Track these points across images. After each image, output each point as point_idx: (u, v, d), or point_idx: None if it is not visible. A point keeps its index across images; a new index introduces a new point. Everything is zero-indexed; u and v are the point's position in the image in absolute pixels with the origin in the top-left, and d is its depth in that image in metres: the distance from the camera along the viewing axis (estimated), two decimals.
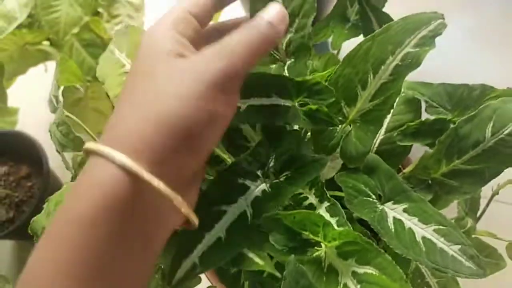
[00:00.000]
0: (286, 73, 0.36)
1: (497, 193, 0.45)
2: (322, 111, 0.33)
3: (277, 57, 0.37)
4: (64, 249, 0.23)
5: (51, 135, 0.42)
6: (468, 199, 0.45)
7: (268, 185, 0.33)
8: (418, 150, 0.42)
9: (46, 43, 0.68)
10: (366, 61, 0.34)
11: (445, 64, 0.81)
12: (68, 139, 0.39)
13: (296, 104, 0.34)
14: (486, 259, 0.46)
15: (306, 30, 0.36)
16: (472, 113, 0.37)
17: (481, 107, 0.37)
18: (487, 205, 0.45)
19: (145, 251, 0.25)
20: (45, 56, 0.68)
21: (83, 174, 0.25)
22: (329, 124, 0.34)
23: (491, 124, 0.37)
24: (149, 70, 0.26)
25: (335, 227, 0.32)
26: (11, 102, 0.80)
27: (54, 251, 0.23)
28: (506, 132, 0.37)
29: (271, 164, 0.34)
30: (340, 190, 0.37)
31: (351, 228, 0.32)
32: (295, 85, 0.33)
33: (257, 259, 0.30)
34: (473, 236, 0.45)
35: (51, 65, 0.73)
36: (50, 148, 0.75)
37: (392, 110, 0.42)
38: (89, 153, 0.25)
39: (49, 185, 0.69)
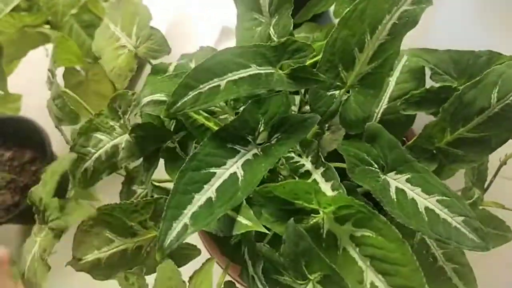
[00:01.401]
0: (272, 31, 0.36)
1: (505, 163, 0.44)
2: (305, 69, 0.33)
3: (262, 20, 0.36)
4: None
5: (49, 111, 0.42)
6: (475, 170, 0.44)
7: (259, 149, 0.33)
8: (423, 123, 0.41)
9: (45, 26, 0.67)
10: (362, 21, 0.33)
11: (449, 35, 0.79)
12: (64, 113, 0.39)
13: (278, 69, 0.33)
14: (493, 230, 0.45)
15: None
16: (477, 79, 0.36)
17: (485, 72, 0.36)
18: (495, 175, 0.44)
19: None
20: (44, 39, 0.67)
21: None
22: (317, 83, 0.33)
23: (496, 89, 0.36)
24: None
25: (330, 191, 0.32)
26: (13, 88, 0.79)
27: None
28: None
29: (261, 129, 0.33)
30: (343, 162, 0.37)
31: (345, 192, 0.32)
32: (272, 50, 0.33)
33: (244, 221, 0.29)
34: (480, 207, 0.44)
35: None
36: (53, 132, 0.75)
37: (395, 78, 0.41)
38: None
39: None
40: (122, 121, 0.41)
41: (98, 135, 0.41)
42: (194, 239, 0.48)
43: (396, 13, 0.33)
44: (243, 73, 0.33)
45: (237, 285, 0.37)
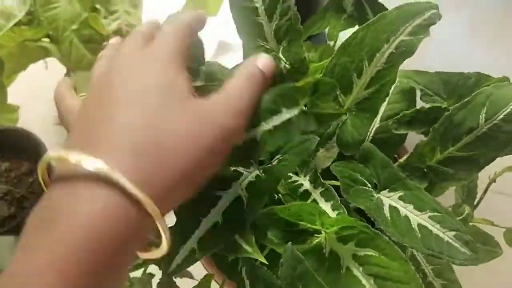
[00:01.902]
0: (282, 57, 0.37)
1: (494, 181, 0.45)
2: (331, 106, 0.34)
3: (267, 47, 0.37)
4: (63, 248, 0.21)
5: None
6: (465, 187, 0.46)
7: (261, 170, 0.34)
8: (414, 140, 0.42)
9: (45, 39, 0.68)
10: (361, 49, 0.34)
11: (442, 57, 0.82)
12: None
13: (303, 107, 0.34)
14: (482, 246, 0.46)
15: (291, 12, 0.36)
16: (466, 100, 0.38)
17: (474, 93, 0.38)
18: (484, 192, 0.46)
19: (126, 271, 0.24)
20: (45, 53, 0.68)
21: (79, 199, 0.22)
22: (335, 116, 0.35)
23: (484, 110, 0.37)
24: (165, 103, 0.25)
25: (331, 211, 0.33)
26: (12, 100, 0.80)
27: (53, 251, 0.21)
28: (499, 117, 0.37)
29: None
30: (337, 179, 0.38)
31: (346, 212, 0.33)
32: (298, 91, 0.34)
33: (246, 247, 0.30)
34: (470, 224, 0.45)
35: (51, 62, 0.74)
36: (50, 144, 0.76)
37: (387, 99, 0.42)
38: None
39: None
40: None
41: None
42: None
43: (393, 43, 0.34)
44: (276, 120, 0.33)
45: None
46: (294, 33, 0.37)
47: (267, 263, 0.29)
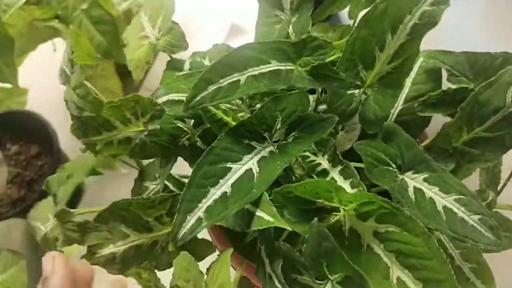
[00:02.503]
0: (291, 30, 0.36)
1: None
2: (326, 67, 0.33)
3: (282, 17, 0.36)
4: None
5: (66, 102, 0.41)
6: (489, 172, 0.44)
7: (275, 146, 0.33)
8: (436, 125, 0.41)
9: (55, 20, 0.67)
10: (382, 21, 0.33)
11: (461, 40, 0.79)
12: (86, 101, 0.38)
13: (298, 66, 0.33)
14: (504, 233, 0.45)
15: None
16: (492, 79, 0.36)
17: (500, 72, 0.36)
18: (508, 178, 0.44)
19: None
20: (54, 33, 0.67)
21: None
22: (338, 81, 0.33)
23: (511, 89, 0.36)
24: None
25: (349, 189, 0.32)
26: (21, 82, 0.79)
27: None
28: None
29: (278, 126, 0.33)
30: (358, 162, 0.36)
31: (365, 189, 0.31)
32: (292, 47, 0.33)
33: (266, 217, 0.29)
34: (493, 210, 0.44)
35: (60, 44, 0.72)
36: (59, 127, 0.75)
37: (411, 79, 0.41)
38: None
39: (59, 163, 0.69)
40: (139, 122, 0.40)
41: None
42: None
43: (416, 13, 0.33)
44: (264, 68, 0.33)
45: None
46: (305, 5, 0.36)
47: (291, 229, 0.28)
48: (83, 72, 0.70)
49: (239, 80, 0.32)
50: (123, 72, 0.68)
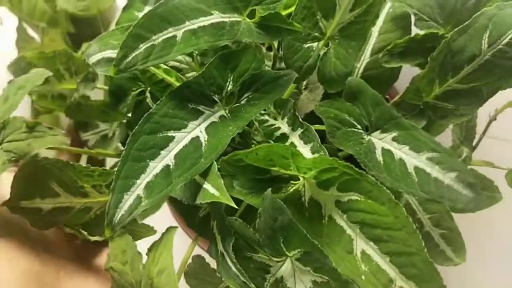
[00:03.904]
0: None
1: (495, 119, 0.41)
2: (278, 17, 0.28)
3: None
4: None
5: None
6: (463, 127, 0.41)
7: (227, 111, 0.29)
8: (408, 81, 0.37)
9: None
10: None
11: None
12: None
13: (246, 17, 0.29)
14: (482, 192, 0.42)
15: None
16: (466, 23, 0.33)
17: (475, 15, 0.33)
18: (484, 133, 0.41)
19: None
20: None
21: None
22: (293, 33, 0.29)
23: (487, 34, 0.32)
24: None
25: (309, 155, 0.28)
26: None
27: None
28: (504, 42, 0.32)
29: (229, 87, 0.29)
30: (321, 124, 0.33)
31: (326, 153, 0.28)
32: None
33: (212, 190, 0.26)
34: (468, 167, 0.41)
35: (6, 16, 0.66)
36: None
37: (378, 28, 0.37)
38: None
39: None
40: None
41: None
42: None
43: None
44: (204, 21, 0.28)
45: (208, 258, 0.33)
46: None
47: (236, 207, 0.25)
48: (28, 44, 0.64)
49: (175, 36, 0.28)
50: (75, 42, 0.63)
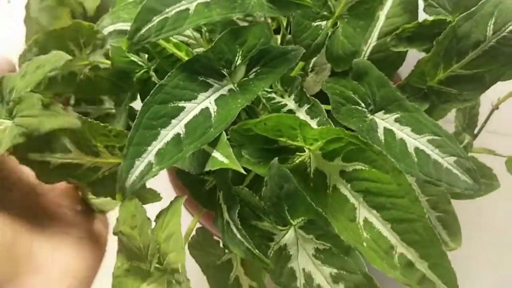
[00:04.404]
0: None
1: (497, 108, 0.42)
2: None
3: None
4: None
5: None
6: (466, 114, 0.42)
7: (235, 85, 0.29)
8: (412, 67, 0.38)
9: None
10: None
11: None
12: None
13: None
14: (481, 179, 0.43)
15: None
16: (472, 9, 0.33)
17: (481, 2, 0.33)
18: (486, 121, 0.42)
19: None
20: None
21: None
22: (302, 8, 0.29)
23: (492, 21, 0.33)
24: None
25: (316, 127, 0.29)
26: None
27: None
28: (509, 29, 0.33)
29: (238, 62, 0.30)
30: (328, 104, 0.34)
31: (332, 126, 0.29)
32: None
33: (221, 158, 0.26)
34: (469, 154, 0.42)
35: None
36: None
37: (386, 12, 0.37)
38: None
39: None
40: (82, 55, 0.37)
41: None
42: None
43: None
44: None
45: None
46: None
47: (244, 173, 0.26)
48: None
49: (188, 9, 0.28)
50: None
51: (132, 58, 0.36)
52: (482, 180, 0.45)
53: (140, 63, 0.37)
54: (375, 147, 0.26)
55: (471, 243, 0.41)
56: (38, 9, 0.38)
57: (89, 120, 0.31)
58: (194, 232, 0.35)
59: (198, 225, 0.36)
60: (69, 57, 0.33)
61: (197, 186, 0.33)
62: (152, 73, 0.37)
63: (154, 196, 0.33)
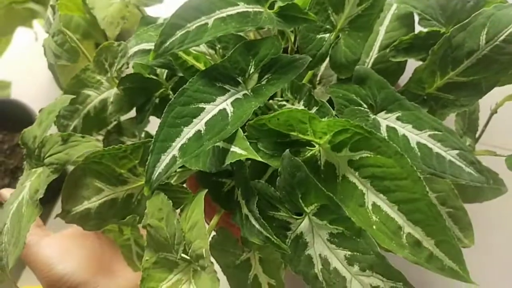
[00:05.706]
0: None
1: (496, 112, 0.44)
2: (295, 7, 0.33)
3: None
4: None
5: (44, 49, 0.41)
6: (465, 118, 0.44)
7: (249, 90, 0.33)
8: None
9: (32, 2, 0.67)
10: None
11: None
12: (63, 50, 0.38)
13: (267, 8, 0.33)
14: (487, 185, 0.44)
15: None
16: (466, 21, 0.36)
17: (474, 14, 0.36)
18: (486, 125, 0.44)
19: None
20: (32, 14, 0.67)
21: None
22: (308, 22, 0.33)
23: (485, 31, 0.36)
24: None
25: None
26: (3, 74, 0.79)
27: None
28: (501, 38, 0.35)
29: (251, 70, 0.33)
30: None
31: None
32: None
33: (240, 151, 0.29)
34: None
35: (41, 34, 0.72)
36: None
37: (385, 27, 0.41)
38: None
39: None
40: (109, 74, 0.40)
41: (86, 91, 0.40)
42: None
43: None
44: (231, 10, 0.32)
45: None
46: None
47: (262, 160, 0.28)
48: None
49: (206, 23, 0.32)
50: None
51: (152, 76, 0.39)
52: (489, 186, 0.46)
53: (160, 81, 0.41)
54: (379, 135, 0.28)
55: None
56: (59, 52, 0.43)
57: (107, 149, 0.34)
58: (213, 233, 0.37)
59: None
60: (73, 96, 0.38)
61: (216, 188, 0.35)
62: (169, 91, 0.41)
63: (185, 194, 0.36)
